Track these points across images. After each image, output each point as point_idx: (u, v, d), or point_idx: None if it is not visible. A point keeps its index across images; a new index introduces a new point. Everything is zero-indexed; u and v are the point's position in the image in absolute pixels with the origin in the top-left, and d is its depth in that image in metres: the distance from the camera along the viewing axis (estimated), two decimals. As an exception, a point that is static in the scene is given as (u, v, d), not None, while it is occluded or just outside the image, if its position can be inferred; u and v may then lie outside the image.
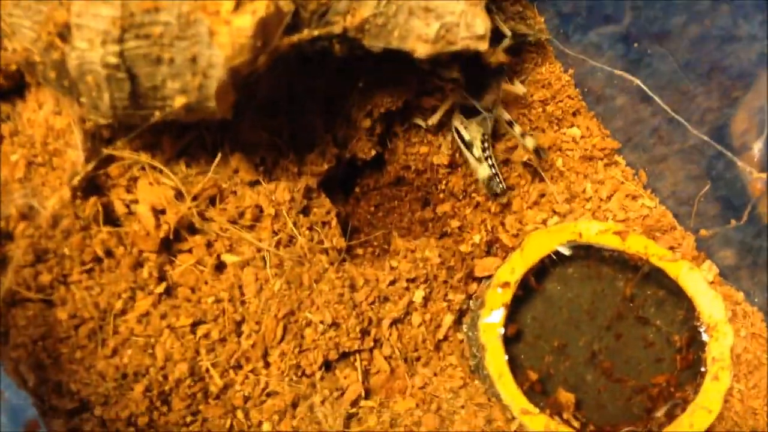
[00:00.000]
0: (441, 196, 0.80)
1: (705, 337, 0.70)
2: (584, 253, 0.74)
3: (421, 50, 0.59)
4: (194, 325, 0.62)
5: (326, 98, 0.72)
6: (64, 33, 0.50)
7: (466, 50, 0.58)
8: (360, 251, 0.76)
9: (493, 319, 0.70)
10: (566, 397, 0.68)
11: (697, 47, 0.75)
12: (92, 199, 0.60)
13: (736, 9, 0.73)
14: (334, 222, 0.72)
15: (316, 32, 0.56)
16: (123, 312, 0.61)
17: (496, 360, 0.69)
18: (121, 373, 0.60)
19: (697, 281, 0.71)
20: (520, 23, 0.74)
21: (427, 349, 0.72)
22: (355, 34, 0.58)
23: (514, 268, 0.71)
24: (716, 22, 0.75)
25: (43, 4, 0.50)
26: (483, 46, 0.58)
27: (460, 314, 0.74)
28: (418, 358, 0.72)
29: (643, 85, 0.74)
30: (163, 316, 0.61)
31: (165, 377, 0.61)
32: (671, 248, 0.75)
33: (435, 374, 0.72)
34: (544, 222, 0.77)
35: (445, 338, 0.73)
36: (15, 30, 0.52)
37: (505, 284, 0.71)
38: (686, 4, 0.75)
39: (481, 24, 0.57)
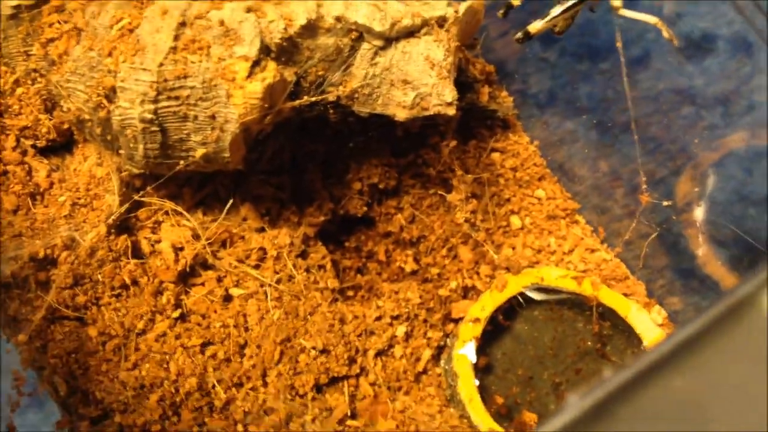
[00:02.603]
0: (425, 249, 0.91)
1: (652, 369, 0.79)
2: (548, 297, 0.84)
3: (400, 115, 0.71)
4: (204, 346, 0.73)
5: (324, 161, 0.85)
6: (110, 95, 0.63)
7: (437, 114, 0.70)
8: (351, 293, 0.87)
9: (465, 350, 0.80)
10: (530, 416, 0.78)
11: (664, 135, 0.88)
12: (123, 237, 0.72)
13: (698, 101, 0.85)
14: (328, 266, 0.83)
15: (313, 99, 0.69)
16: (143, 331, 0.71)
17: (467, 386, 0.78)
18: (139, 384, 0.70)
19: (644, 320, 0.81)
20: (491, 101, 0.87)
21: (407, 380, 0.81)
22: (346, 101, 0.71)
23: (484, 306, 0.82)
24: (681, 113, 0.88)
25: (95, 72, 0.63)
26: (451, 111, 0.70)
27: (439, 351, 0.84)
28: (399, 388, 0.81)
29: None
30: (178, 337, 0.72)
31: (177, 390, 0.71)
32: (624, 295, 0.85)
33: (414, 402, 0.81)
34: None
35: (425, 371, 0.83)
36: (70, 93, 0.65)
37: (476, 320, 0.81)
38: (654, 97, 0.88)
39: (449, 93, 0.70)
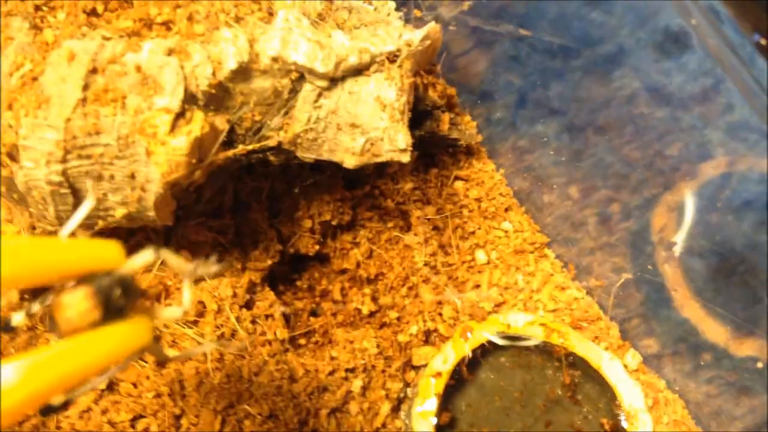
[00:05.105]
0: (384, 287, 0.84)
1: (626, 424, 0.73)
2: (515, 343, 0.78)
3: (349, 162, 0.64)
4: (134, 420, 0.65)
5: (270, 198, 0.77)
6: (13, 153, 0.55)
7: (390, 161, 0.63)
8: (302, 341, 0.80)
9: (426, 407, 0.73)
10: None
11: (639, 138, 0.81)
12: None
13: (675, 102, 0.79)
14: (277, 314, 0.75)
15: (250, 147, 0.61)
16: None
17: (428, 448, 0.72)
18: (62, 469, 0.62)
19: (618, 371, 0.75)
20: (453, 129, 0.80)
21: (365, 438, 0.75)
22: (289, 146, 0.63)
23: (446, 359, 0.75)
24: (656, 113, 0.81)
25: (-7, 127, 0.54)
26: (405, 158, 0.63)
27: (398, 402, 0.78)
28: (356, 447, 0.75)
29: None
30: (104, 412, 0.64)
31: (104, 472, 0.64)
32: (596, 338, 0.79)
33: (372, 462, 0.75)
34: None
35: (383, 426, 0.76)
36: (-32, 149, 0.56)
37: (438, 374, 0.74)
38: (628, 97, 0.81)
39: (403, 139, 0.62)
